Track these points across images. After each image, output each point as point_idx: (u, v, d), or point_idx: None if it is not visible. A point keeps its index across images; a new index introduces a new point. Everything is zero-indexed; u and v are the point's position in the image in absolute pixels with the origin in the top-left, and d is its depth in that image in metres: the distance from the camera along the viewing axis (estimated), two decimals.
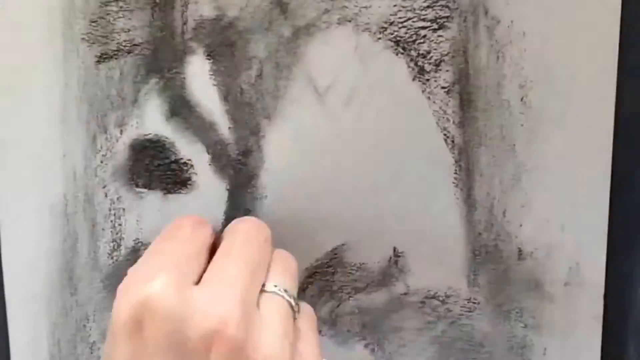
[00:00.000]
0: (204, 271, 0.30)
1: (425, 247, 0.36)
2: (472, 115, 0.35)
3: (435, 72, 0.34)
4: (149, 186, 0.36)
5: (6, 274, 0.38)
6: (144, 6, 0.34)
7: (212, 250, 0.32)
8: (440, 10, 0.34)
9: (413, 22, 0.34)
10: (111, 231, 0.37)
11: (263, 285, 0.30)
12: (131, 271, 0.30)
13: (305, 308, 0.33)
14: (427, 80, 0.34)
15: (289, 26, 0.34)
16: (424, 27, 0.34)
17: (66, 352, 0.38)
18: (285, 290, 0.31)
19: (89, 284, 0.38)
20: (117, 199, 0.37)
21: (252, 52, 0.35)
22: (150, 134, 0.36)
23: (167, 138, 0.36)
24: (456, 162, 0.35)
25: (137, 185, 0.37)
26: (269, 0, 0.34)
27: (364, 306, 0.37)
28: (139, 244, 0.37)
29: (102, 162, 0.36)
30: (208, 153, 0.36)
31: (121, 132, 0.36)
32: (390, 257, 0.36)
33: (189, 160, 0.36)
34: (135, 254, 0.37)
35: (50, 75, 0.35)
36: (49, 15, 0.35)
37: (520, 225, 0.35)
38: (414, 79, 0.34)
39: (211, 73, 0.35)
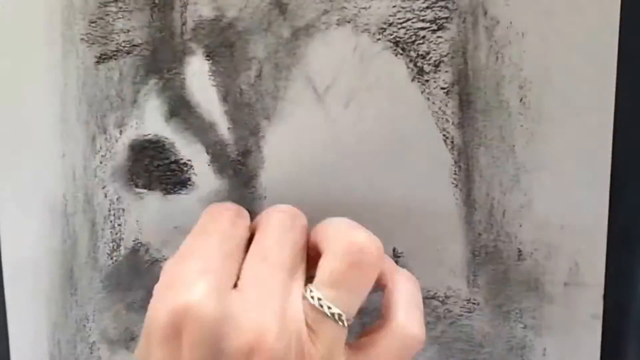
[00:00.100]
0: (241, 267, 0.29)
1: (425, 248, 0.36)
2: (471, 115, 0.35)
3: (435, 72, 0.34)
4: (148, 186, 0.36)
5: (6, 274, 0.38)
6: (143, 7, 0.34)
7: (249, 239, 0.31)
8: (440, 11, 0.34)
9: (412, 22, 0.34)
10: (111, 231, 0.37)
11: (312, 297, 0.28)
12: (169, 270, 0.29)
13: (403, 333, 0.30)
14: (427, 81, 0.34)
15: (288, 27, 0.34)
16: (423, 28, 0.34)
17: (66, 352, 0.39)
18: (336, 307, 0.28)
19: (89, 284, 0.38)
20: (117, 199, 0.37)
21: (251, 53, 0.35)
22: (149, 134, 0.36)
23: (166, 138, 0.36)
24: (455, 162, 0.35)
25: (136, 186, 0.37)
26: (268, 1, 0.34)
27: (363, 307, 0.37)
28: (139, 244, 0.37)
29: (101, 162, 0.36)
30: (208, 153, 0.36)
31: (121, 132, 0.36)
32: (390, 258, 0.36)
33: (189, 160, 0.36)
34: (135, 254, 0.37)
35: (50, 76, 0.35)
36: (49, 16, 0.35)
37: (520, 226, 0.35)
38: (413, 80, 0.34)
39: (210, 73, 0.35)
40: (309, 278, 0.30)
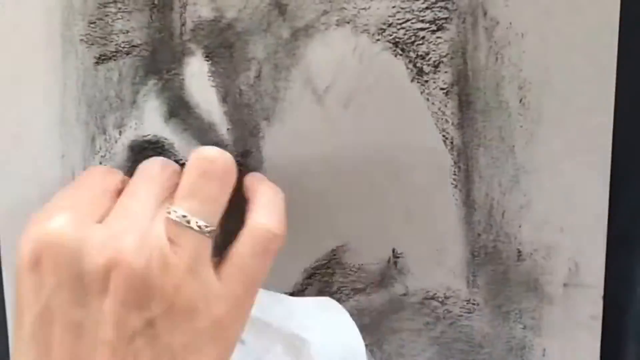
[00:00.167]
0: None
1: (425, 248, 0.36)
2: (471, 116, 0.35)
3: (434, 73, 0.34)
4: None
5: (6, 274, 0.38)
6: (142, 7, 0.34)
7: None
8: (439, 11, 0.34)
9: (412, 23, 0.34)
10: None
11: (169, 213, 0.29)
12: (36, 213, 0.30)
13: (254, 226, 0.31)
14: (426, 81, 0.34)
15: (288, 27, 0.34)
16: (422, 29, 0.34)
17: None
18: (194, 218, 0.29)
19: None
20: None
21: (250, 54, 0.34)
22: (149, 135, 0.36)
23: (166, 139, 0.36)
24: (455, 163, 0.35)
25: None
26: (268, 2, 0.34)
27: (363, 307, 0.37)
28: None
29: (101, 163, 0.36)
30: None
31: (120, 133, 0.36)
32: (390, 258, 0.36)
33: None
34: None
35: (49, 77, 0.35)
36: (48, 17, 0.35)
37: (520, 227, 0.35)
38: (412, 80, 0.34)
39: (210, 74, 0.35)
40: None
